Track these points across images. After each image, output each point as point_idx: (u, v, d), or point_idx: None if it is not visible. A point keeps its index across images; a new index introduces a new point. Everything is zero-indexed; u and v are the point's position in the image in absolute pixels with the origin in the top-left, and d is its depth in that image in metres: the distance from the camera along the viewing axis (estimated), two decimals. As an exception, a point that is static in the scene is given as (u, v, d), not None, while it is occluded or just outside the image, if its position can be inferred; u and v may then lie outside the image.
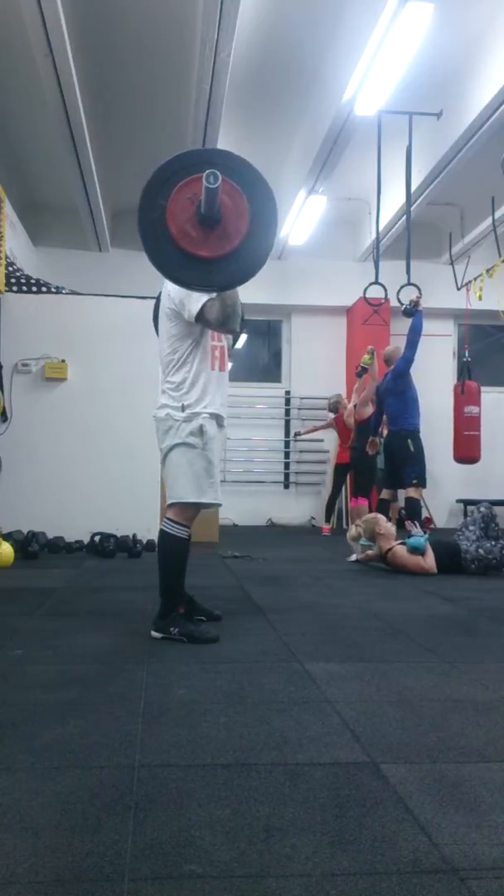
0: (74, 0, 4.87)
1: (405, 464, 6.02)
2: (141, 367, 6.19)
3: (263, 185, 2.64)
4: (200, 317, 2.83)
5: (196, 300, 2.83)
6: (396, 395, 6.10)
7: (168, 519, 2.95)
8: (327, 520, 8.25)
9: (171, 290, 2.93)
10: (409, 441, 6.01)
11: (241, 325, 3.05)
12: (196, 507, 3.00)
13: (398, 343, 8.14)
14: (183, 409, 2.90)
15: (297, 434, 9.22)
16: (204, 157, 2.66)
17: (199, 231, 2.59)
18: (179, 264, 2.63)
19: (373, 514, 5.45)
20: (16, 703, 2.09)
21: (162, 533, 2.96)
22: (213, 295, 2.83)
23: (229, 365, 3.16)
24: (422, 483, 6.04)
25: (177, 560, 2.96)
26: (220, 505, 3.05)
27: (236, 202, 2.60)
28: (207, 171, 2.43)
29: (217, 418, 2.99)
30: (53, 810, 1.42)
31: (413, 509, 6.02)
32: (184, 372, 2.93)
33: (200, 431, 2.88)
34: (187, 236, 2.59)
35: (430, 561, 4.86)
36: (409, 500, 6.10)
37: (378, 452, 6.75)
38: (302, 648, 2.76)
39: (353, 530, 5.19)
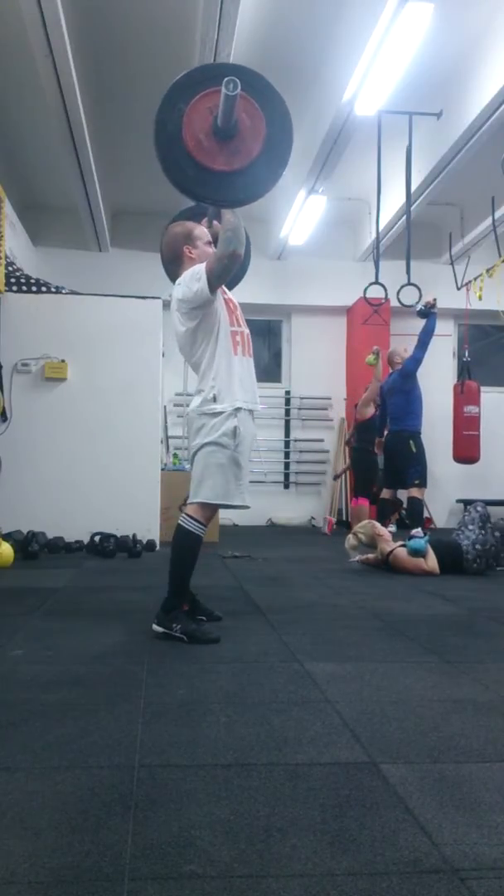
0: (74, 0, 4.87)
1: (407, 465, 6.02)
2: (141, 367, 6.20)
3: (285, 114, 2.68)
4: (212, 275, 2.81)
5: (198, 274, 2.84)
6: (402, 393, 6.11)
7: (187, 515, 2.95)
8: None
9: (176, 294, 2.95)
10: (411, 442, 6.01)
11: (247, 248, 3.02)
12: (216, 508, 3.00)
13: (399, 343, 8.17)
14: (215, 399, 2.89)
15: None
16: (235, 71, 2.59)
17: (212, 142, 2.59)
18: (186, 172, 2.62)
19: (367, 521, 5.45)
20: (16, 703, 2.09)
21: (179, 527, 2.95)
22: (204, 266, 2.84)
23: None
24: (423, 483, 6.05)
25: (189, 556, 2.96)
26: (247, 507, 3.03)
27: (255, 123, 2.61)
28: (227, 79, 2.42)
29: (250, 413, 2.98)
30: (53, 810, 1.42)
31: (416, 510, 6.02)
32: (210, 362, 2.93)
33: (234, 433, 2.88)
34: (199, 145, 2.59)
35: (431, 563, 4.86)
36: (412, 500, 6.10)
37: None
38: (302, 648, 2.76)
39: (351, 539, 5.15)
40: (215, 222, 3.04)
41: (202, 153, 2.59)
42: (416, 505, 6.04)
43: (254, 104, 2.60)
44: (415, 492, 6.05)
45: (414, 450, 5.99)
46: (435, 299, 6.09)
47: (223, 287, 3.06)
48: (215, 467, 2.90)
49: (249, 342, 3.08)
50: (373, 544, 5.10)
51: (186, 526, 2.94)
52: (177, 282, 2.99)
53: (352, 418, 8.20)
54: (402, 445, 6.03)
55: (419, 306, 6.12)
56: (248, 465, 3.02)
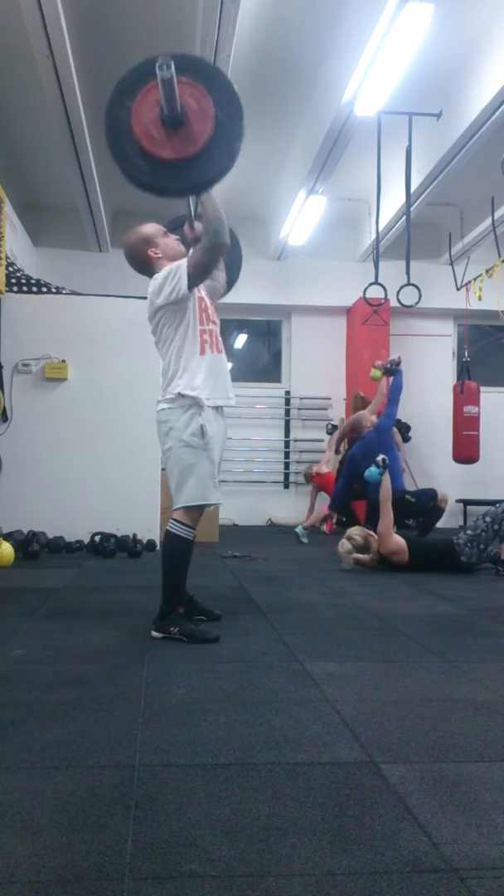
0: (74, 1, 4.87)
1: (415, 516, 6.27)
2: (141, 367, 6.19)
3: (231, 91, 2.62)
4: (196, 269, 2.81)
5: (175, 273, 2.82)
6: (383, 450, 6.04)
7: (174, 520, 2.94)
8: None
9: (149, 289, 2.94)
10: (407, 497, 6.07)
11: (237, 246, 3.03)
12: (202, 509, 3.00)
13: (398, 343, 8.19)
14: (181, 395, 2.88)
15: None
16: (177, 60, 2.54)
17: (162, 132, 2.57)
18: (141, 165, 2.61)
19: (357, 527, 5.40)
20: (16, 703, 2.09)
21: (167, 533, 2.96)
22: (184, 262, 2.83)
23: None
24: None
25: (180, 561, 2.96)
26: (220, 504, 3.07)
27: (202, 105, 2.57)
28: (160, 61, 2.38)
29: (217, 409, 2.97)
30: (53, 810, 1.42)
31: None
32: (175, 361, 2.92)
33: (201, 432, 2.87)
34: (150, 136, 2.57)
35: (396, 542, 4.95)
36: (438, 510, 6.39)
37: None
38: (302, 648, 2.76)
39: (345, 544, 5.11)
40: (197, 224, 3.03)
41: (153, 144, 2.56)
42: (439, 512, 6.38)
43: (198, 87, 2.57)
44: (442, 503, 6.35)
45: (413, 500, 6.14)
46: (399, 357, 6.32)
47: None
48: (190, 468, 2.89)
49: (218, 338, 3.06)
50: (367, 547, 5.06)
51: (175, 531, 2.93)
52: (152, 278, 2.96)
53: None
54: (401, 504, 5.82)
55: (386, 364, 6.36)
56: (220, 462, 3.00)
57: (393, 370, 6.22)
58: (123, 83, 2.63)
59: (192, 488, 2.90)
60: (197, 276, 2.83)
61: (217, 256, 2.84)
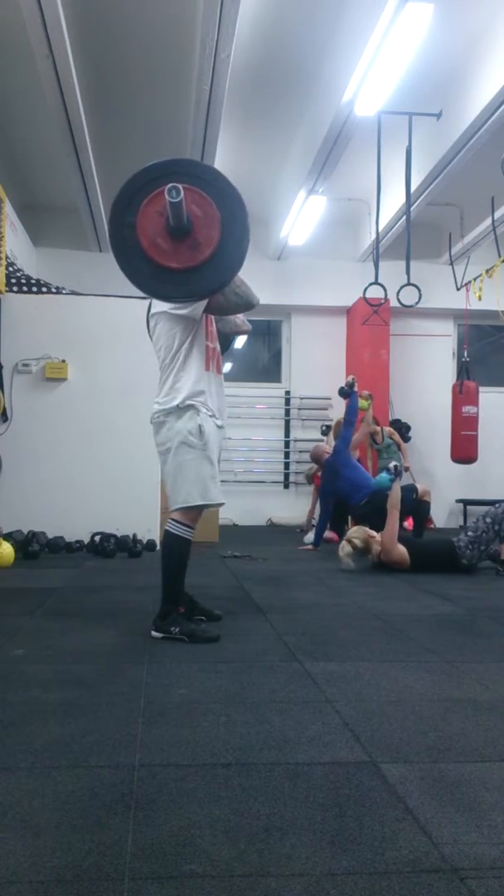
0: (74, 0, 4.87)
1: (405, 513, 6.30)
2: (141, 367, 6.17)
3: (233, 192, 2.66)
4: (223, 305, 2.90)
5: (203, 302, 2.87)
6: (346, 468, 6.11)
7: (173, 520, 2.94)
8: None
9: (162, 304, 2.96)
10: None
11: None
12: (201, 509, 3.00)
13: (398, 342, 8.20)
14: (178, 407, 2.89)
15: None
16: (171, 167, 2.66)
17: (169, 243, 2.62)
18: (153, 277, 2.66)
19: (359, 527, 5.37)
20: (16, 703, 2.09)
21: (166, 533, 2.96)
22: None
23: (225, 367, 3.19)
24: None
25: (179, 560, 2.96)
26: (223, 504, 3.06)
27: (206, 211, 2.61)
28: (169, 186, 2.46)
29: (215, 419, 2.98)
30: (53, 810, 1.42)
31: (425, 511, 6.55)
32: (179, 372, 2.92)
33: (199, 431, 2.87)
34: (158, 249, 2.61)
35: (399, 552, 4.95)
36: (424, 503, 6.46)
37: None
38: (302, 648, 2.76)
39: (345, 546, 5.09)
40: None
41: (162, 256, 2.61)
42: (426, 507, 6.43)
43: (199, 193, 2.60)
44: (425, 496, 6.38)
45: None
46: (354, 379, 6.43)
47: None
48: (188, 467, 2.88)
49: (219, 357, 3.09)
50: (367, 549, 5.05)
51: (174, 531, 2.92)
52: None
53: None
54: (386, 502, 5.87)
55: (342, 386, 6.47)
56: (218, 464, 3.00)
57: (348, 392, 6.32)
58: (122, 198, 2.69)
59: (190, 488, 2.90)
60: (216, 309, 2.92)
61: (237, 308, 2.98)
